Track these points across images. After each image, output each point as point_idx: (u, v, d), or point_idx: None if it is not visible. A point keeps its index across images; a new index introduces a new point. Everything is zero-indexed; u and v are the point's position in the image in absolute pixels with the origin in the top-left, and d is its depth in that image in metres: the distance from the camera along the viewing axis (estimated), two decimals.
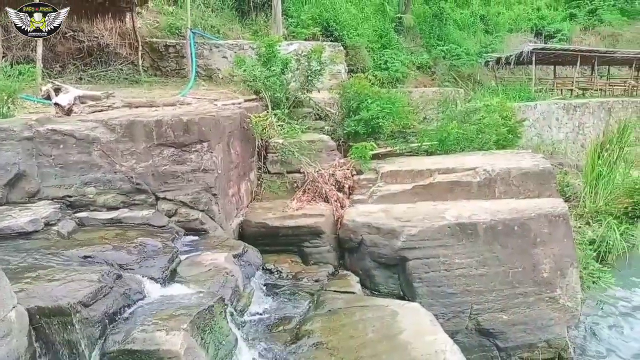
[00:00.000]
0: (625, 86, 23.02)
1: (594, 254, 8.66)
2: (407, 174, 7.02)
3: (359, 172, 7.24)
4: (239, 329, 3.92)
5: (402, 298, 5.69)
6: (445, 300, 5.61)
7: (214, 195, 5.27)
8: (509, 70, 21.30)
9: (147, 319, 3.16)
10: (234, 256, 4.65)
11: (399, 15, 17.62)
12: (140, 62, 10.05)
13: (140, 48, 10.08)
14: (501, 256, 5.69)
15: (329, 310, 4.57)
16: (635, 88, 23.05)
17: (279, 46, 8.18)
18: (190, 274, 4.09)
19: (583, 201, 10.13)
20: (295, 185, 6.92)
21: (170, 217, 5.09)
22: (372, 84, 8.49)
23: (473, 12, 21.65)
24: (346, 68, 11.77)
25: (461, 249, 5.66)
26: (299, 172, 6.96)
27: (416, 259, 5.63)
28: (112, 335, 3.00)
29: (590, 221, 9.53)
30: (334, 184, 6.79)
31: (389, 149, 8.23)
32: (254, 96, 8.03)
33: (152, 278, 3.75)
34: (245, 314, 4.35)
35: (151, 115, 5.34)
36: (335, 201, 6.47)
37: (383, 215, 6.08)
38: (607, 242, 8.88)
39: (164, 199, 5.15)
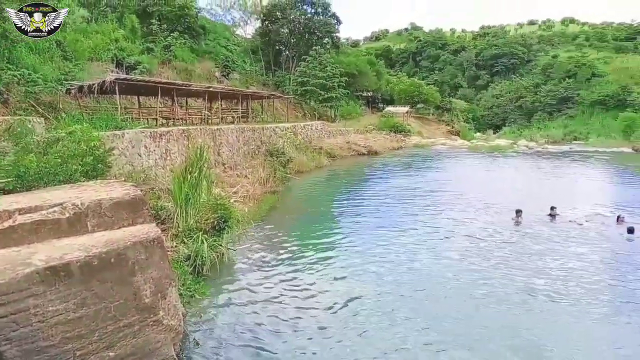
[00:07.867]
0: (201, 115, 26.40)
1: (191, 269, 9.52)
2: None
3: None
4: None
5: None
6: (43, 355, 4.95)
7: None
8: (94, 99, 20.90)
9: None
10: None
11: None
12: None
13: None
14: (100, 292, 5.45)
15: None
16: (209, 117, 26.75)
17: None
18: None
19: (176, 222, 10.99)
20: None
21: None
22: None
23: (47, 37, 20.10)
24: None
25: (55, 294, 5.11)
26: None
27: (0, 319, 4.73)
28: None
29: (185, 239, 10.41)
30: None
31: None
32: None
33: None
34: None
35: None
36: None
37: None
38: (200, 256, 9.92)
39: None
